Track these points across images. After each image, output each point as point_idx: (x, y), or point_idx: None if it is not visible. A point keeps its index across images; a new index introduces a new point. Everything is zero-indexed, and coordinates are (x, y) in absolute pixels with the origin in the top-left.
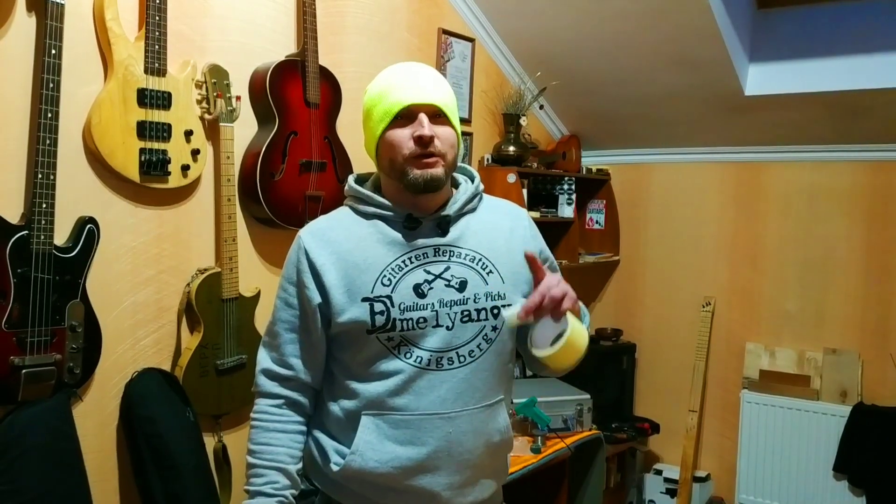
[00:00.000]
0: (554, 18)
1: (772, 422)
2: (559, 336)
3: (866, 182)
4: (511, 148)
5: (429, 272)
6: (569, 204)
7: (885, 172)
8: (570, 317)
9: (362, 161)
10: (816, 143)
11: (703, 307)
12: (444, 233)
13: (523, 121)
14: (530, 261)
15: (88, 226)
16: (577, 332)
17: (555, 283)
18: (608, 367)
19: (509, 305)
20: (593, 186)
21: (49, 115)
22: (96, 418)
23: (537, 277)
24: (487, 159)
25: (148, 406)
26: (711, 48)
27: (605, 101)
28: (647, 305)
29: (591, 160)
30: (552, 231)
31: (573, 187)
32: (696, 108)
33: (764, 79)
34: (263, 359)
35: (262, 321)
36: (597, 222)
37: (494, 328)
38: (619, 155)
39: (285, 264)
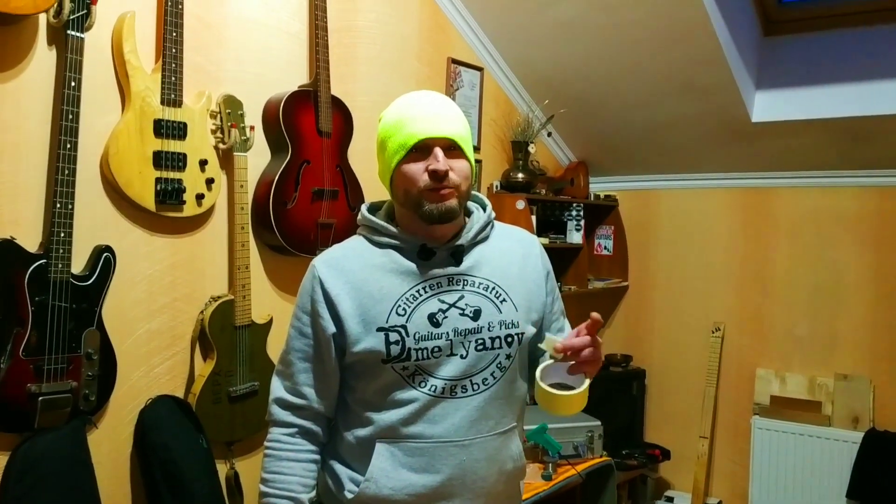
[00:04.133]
0: (561, 47)
1: (783, 448)
2: (563, 386)
3: (874, 207)
4: (520, 175)
5: (443, 301)
6: (577, 230)
7: (892, 198)
8: (584, 380)
9: (373, 189)
10: (824, 169)
11: (713, 332)
12: (458, 262)
13: (532, 148)
14: (590, 328)
15: (105, 254)
16: (582, 396)
17: (598, 345)
18: (618, 393)
19: (523, 334)
20: (601, 212)
21: (68, 145)
22: (111, 445)
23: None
24: (496, 186)
25: (162, 433)
26: (718, 76)
27: (613, 128)
28: (657, 331)
29: (600, 186)
30: (561, 257)
31: (582, 213)
32: (704, 135)
33: (770, 106)
34: (276, 388)
35: (274, 348)
36: (605, 248)
37: (508, 356)
38: (627, 181)
39: (299, 293)
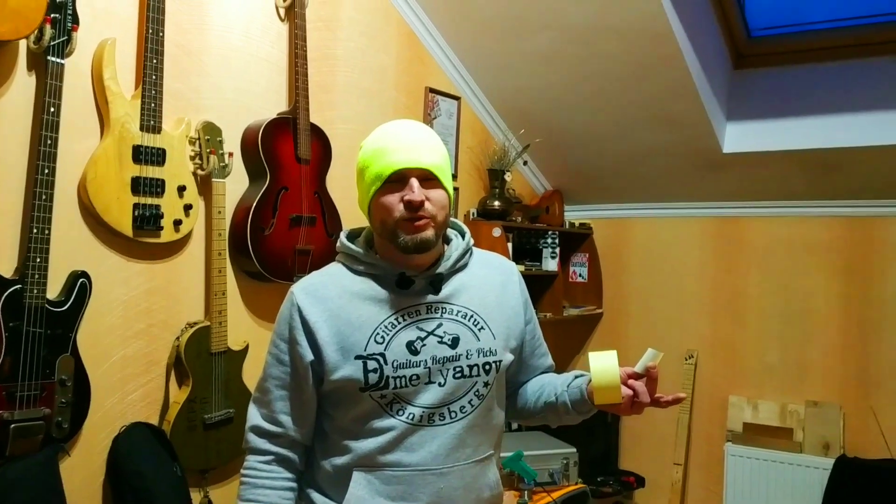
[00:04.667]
0: (537, 78)
1: (756, 475)
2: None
3: (842, 237)
4: (496, 203)
5: (421, 329)
6: (552, 257)
7: (860, 228)
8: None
9: (351, 216)
10: (793, 199)
11: (686, 360)
12: (437, 290)
13: (508, 176)
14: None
15: (81, 280)
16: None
17: (648, 403)
18: (593, 421)
19: (500, 361)
20: (576, 240)
21: (46, 170)
22: (83, 473)
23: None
24: (473, 213)
25: (135, 461)
26: (690, 107)
27: (588, 158)
28: (631, 358)
29: (574, 214)
30: (537, 284)
31: (557, 241)
32: (676, 165)
33: (741, 137)
34: (253, 415)
35: (249, 375)
36: (580, 275)
37: (486, 384)
38: (601, 209)
39: (277, 320)
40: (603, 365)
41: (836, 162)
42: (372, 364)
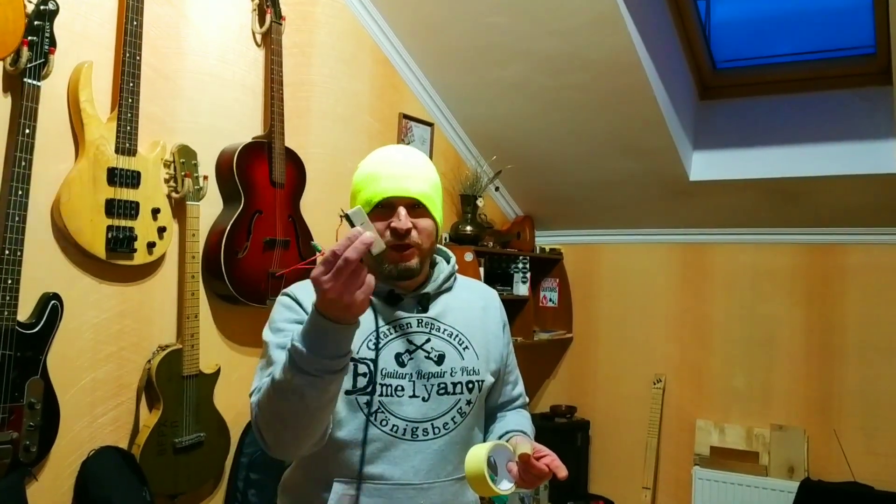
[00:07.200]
0: (509, 106)
1: (723, 498)
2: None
3: (804, 264)
4: (468, 228)
5: (411, 342)
6: (523, 282)
7: (821, 255)
8: (512, 483)
9: (324, 239)
10: (757, 227)
11: (654, 384)
12: (425, 309)
13: (480, 202)
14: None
15: (52, 302)
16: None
17: (545, 479)
18: (563, 444)
19: (483, 381)
20: (547, 265)
21: (20, 192)
22: (51, 498)
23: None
24: (445, 238)
25: (104, 486)
26: (657, 136)
27: (558, 184)
28: (600, 382)
29: (545, 240)
30: (507, 309)
31: (527, 266)
32: (644, 192)
33: (707, 165)
34: (255, 382)
35: (221, 398)
36: (550, 300)
37: (469, 402)
38: (571, 235)
39: (273, 314)
40: (472, 465)
41: (797, 190)
42: (362, 368)
